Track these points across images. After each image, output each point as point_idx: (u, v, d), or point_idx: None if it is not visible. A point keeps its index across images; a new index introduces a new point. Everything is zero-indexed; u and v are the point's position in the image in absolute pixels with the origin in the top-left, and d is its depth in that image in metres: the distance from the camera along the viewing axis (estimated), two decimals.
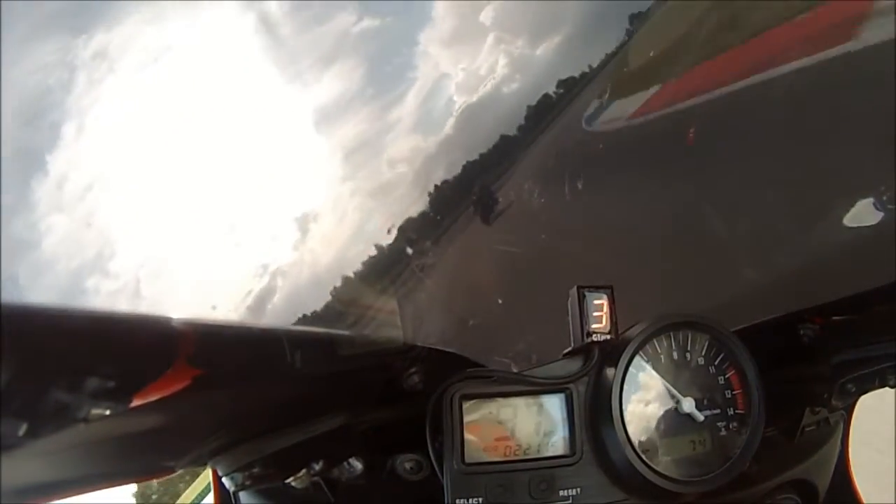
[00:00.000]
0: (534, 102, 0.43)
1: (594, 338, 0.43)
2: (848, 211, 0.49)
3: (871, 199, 0.48)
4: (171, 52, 0.34)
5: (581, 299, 0.43)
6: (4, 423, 0.29)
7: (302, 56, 0.37)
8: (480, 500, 0.42)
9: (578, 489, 0.43)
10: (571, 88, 0.44)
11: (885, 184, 0.48)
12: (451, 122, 0.40)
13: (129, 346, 0.33)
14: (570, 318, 0.44)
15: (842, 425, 0.65)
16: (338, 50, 0.37)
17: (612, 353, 0.44)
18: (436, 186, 0.39)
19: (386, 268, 0.40)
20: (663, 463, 0.43)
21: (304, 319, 0.37)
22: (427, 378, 0.45)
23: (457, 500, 0.42)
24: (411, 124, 0.38)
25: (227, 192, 0.35)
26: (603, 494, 0.43)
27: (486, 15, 0.41)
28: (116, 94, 0.33)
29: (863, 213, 0.48)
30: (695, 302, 0.48)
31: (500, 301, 0.48)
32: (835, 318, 0.53)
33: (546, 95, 0.43)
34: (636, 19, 0.45)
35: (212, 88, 0.35)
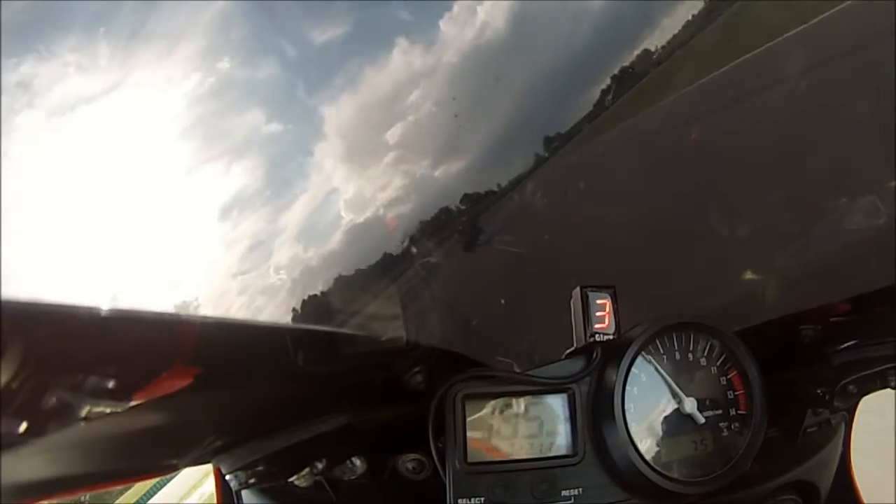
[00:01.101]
0: (428, 218, 0.42)
1: (597, 338, 0.43)
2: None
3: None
4: (89, 105, 0.33)
5: (584, 299, 0.43)
6: (5, 421, 0.29)
7: (213, 143, 0.36)
8: (482, 499, 0.42)
9: (580, 489, 0.43)
10: (476, 203, 0.43)
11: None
12: (336, 235, 0.39)
13: (132, 344, 0.33)
14: (572, 318, 0.44)
15: (843, 426, 0.65)
16: (246, 145, 0.37)
17: (615, 353, 0.44)
18: (303, 301, 0.38)
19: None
20: (665, 463, 0.43)
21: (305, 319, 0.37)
22: (429, 378, 0.45)
23: (459, 500, 0.42)
24: (299, 232, 0.38)
25: (114, 262, 0.33)
26: (605, 495, 0.43)
27: (393, 133, 0.40)
28: (29, 130, 0.31)
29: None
30: (697, 302, 0.48)
31: (502, 301, 0.48)
32: (836, 319, 0.53)
33: (445, 209, 0.42)
34: (553, 141, 0.44)
35: (120, 152, 0.34)
